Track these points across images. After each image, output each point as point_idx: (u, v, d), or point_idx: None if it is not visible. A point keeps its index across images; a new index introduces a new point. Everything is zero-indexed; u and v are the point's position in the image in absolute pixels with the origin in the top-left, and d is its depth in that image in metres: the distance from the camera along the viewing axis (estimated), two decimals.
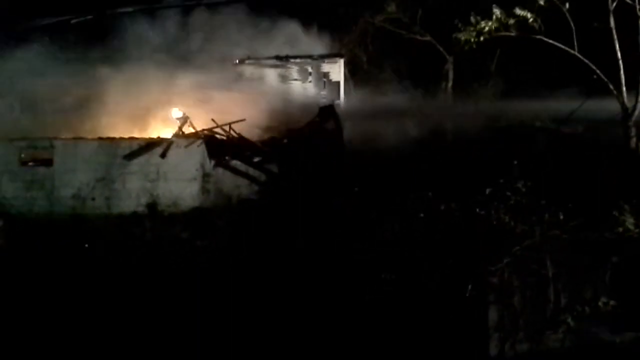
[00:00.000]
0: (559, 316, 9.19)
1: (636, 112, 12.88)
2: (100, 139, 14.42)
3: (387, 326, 9.36)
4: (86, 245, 12.28)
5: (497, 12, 13.61)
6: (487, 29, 13.68)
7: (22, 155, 14.35)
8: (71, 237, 12.53)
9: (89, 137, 14.65)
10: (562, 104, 14.70)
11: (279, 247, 11.52)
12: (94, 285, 10.67)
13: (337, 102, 16.63)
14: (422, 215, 10.73)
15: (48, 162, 14.31)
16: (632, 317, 9.08)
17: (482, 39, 13.84)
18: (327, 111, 15.55)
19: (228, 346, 9.70)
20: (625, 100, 12.92)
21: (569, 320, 9.10)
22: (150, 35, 16.98)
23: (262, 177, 14.40)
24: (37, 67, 15.53)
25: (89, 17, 15.24)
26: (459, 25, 13.90)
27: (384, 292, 9.61)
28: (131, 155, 14.09)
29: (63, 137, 14.65)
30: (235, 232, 12.48)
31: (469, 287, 9.12)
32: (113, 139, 14.42)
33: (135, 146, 14.18)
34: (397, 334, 9.30)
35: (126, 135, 14.64)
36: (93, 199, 13.95)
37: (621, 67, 13.03)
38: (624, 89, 12.86)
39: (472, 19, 13.82)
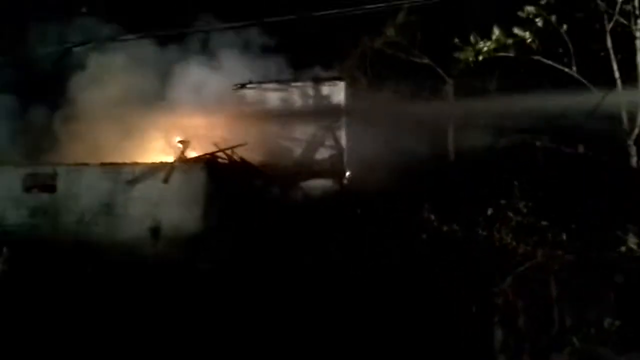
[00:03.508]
0: (564, 337, 9.14)
1: (635, 131, 12.95)
2: (103, 164, 14.48)
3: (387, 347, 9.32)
4: (89, 271, 12.26)
5: (496, 32, 13.77)
6: (485, 48, 13.85)
7: (25, 182, 14.45)
8: (75, 263, 12.52)
9: (91, 162, 14.76)
10: (563, 123, 14.77)
11: (283, 269, 11.50)
12: (97, 311, 10.65)
13: (337, 124, 16.74)
14: (424, 236, 10.76)
15: (51, 189, 14.37)
16: (637, 336, 9.03)
17: (480, 58, 14.00)
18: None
19: None
20: (625, 119, 13.01)
21: (574, 341, 9.05)
22: (151, 60, 17.18)
23: (265, 201, 14.45)
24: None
25: (90, 44, 15.44)
26: (459, 44, 14.06)
27: (387, 313, 9.58)
28: (134, 181, 14.16)
29: (66, 162, 14.73)
30: (239, 256, 12.47)
31: (474, 308, 9.10)
32: (116, 164, 14.47)
33: (137, 171, 14.21)
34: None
35: (129, 161, 14.73)
36: (96, 224, 13.97)
37: (619, 86, 13.14)
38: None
39: (472, 39, 13.99)
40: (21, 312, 10.76)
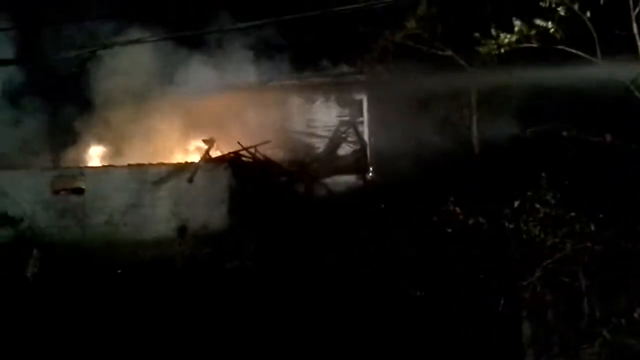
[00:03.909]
0: (594, 329, 9.03)
1: None
2: (130, 165, 14.67)
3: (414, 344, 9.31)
4: (119, 272, 12.45)
5: (517, 23, 13.57)
6: (507, 41, 13.66)
7: (53, 185, 14.69)
8: (104, 264, 12.71)
9: (118, 163, 14.95)
10: (590, 113, 14.55)
11: (308, 267, 11.55)
12: (127, 311, 10.80)
13: (359, 119, 16.72)
14: (449, 230, 10.67)
15: (79, 191, 14.61)
16: None
17: (502, 51, 13.81)
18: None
19: None
20: None
21: (605, 333, 8.93)
22: (171, 58, 17.27)
23: (289, 198, 14.51)
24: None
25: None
26: (480, 38, 13.88)
27: (412, 308, 9.57)
28: (160, 181, 14.31)
29: (93, 165, 14.96)
30: (264, 254, 12.55)
31: (502, 302, 9.03)
32: (142, 165, 14.66)
33: (163, 172, 14.40)
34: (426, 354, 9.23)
35: (154, 161, 14.88)
36: (125, 224, 14.17)
37: None
38: None
39: (493, 32, 13.80)
40: (53, 313, 10.97)
